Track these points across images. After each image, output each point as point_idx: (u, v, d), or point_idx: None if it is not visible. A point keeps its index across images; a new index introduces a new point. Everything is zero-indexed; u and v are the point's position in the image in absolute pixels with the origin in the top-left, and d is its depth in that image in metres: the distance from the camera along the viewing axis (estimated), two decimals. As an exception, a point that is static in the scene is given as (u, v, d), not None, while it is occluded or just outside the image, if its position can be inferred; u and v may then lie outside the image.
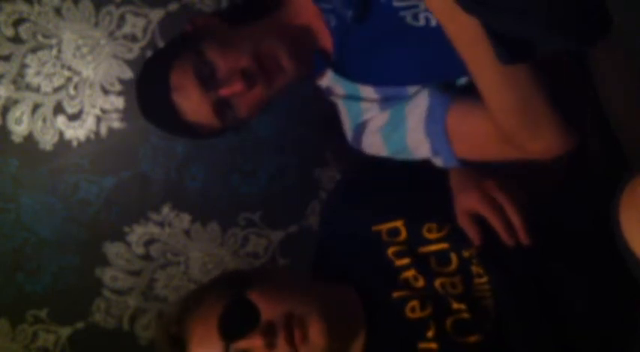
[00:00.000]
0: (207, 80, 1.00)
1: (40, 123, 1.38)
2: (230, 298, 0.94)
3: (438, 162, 1.01)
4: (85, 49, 1.35)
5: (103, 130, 1.39)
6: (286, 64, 1.01)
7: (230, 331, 0.92)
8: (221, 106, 1.03)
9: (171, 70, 1.03)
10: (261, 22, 1.07)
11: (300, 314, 0.91)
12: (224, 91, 1.00)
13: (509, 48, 0.71)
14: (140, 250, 1.48)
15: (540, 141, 0.87)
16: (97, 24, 1.34)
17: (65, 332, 1.52)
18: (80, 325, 1.52)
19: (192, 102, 1.02)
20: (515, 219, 0.95)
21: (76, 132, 1.39)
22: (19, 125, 1.37)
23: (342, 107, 1.11)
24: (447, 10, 0.76)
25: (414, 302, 0.95)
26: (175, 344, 0.96)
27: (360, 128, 1.07)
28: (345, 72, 1.06)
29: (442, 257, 0.97)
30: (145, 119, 1.13)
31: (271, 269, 1.49)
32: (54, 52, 1.34)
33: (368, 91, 1.06)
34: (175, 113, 1.04)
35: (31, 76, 1.35)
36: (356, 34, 1.02)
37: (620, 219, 0.72)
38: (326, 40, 1.07)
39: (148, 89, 1.09)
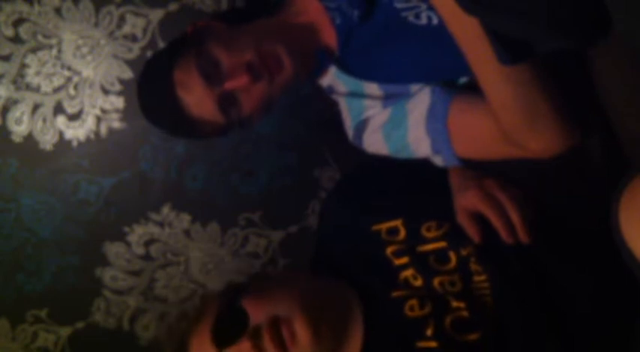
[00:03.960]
0: (212, 75, 1.00)
1: (40, 123, 1.38)
2: (222, 306, 0.96)
3: (438, 160, 1.01)
4: (85, 49, 1.35)
5: (103, 130, 1.40)
6: (286, 61, 1.01)
7: (222, 338, 0.93)
8: (225, 102, 1.02)
9: (174, 67, 1.03)
10: (263, 21, 1.07)
11: (285, 316, 0.92)
12: (229, 84, 1.00)
13: (509, 48, 0.71)
14: (140, 250, 1.48)
15: (541, 140, 0.87)
16: (97, 24, 1.34)
17: (65, 332, 1.52)
18: (80, 325, 1.52)
19: (196, 97, 1.02)
20: (515, 218, 0.95)
21: (76, 132, 1.39)
22: (19, 125, 1.37)
23: (344, 105, 1.12)
24: (449, 7, 0.76)
25: (413, 301, 0.95)
26: None
27: (361, 126, 1.07)
28: (348, 69, 1.07)
29: (441, 255, 0.97)
30: (146, 118, 1.13)
31: (270, 273, 1.49)
32: (54, 52, 1.34)
33: (372, 88, 1.06)
34: (179, 109, 1.03)
35: (31, 76, 1.35)
36: (360, 32, 1.02)
37: (620, 218, 0.72)
38: (330, 38, 1.07)
39: (151, 86, 1.09)
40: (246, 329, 0.92)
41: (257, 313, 0.93)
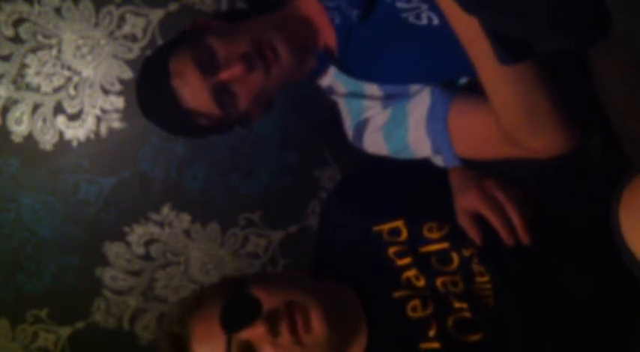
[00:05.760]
0: (207, 65, 1.00)
1: (40, 123, 1.38)
2: (231, 294, 0.94)
3: (438, 161, 1.01)
4: (85, 49, 1.35)
5: (103, 130, 1.40)
6: (284, 53, 1.00)
7: (232, 323, 0.91)
8: (220, 93, 1.02)
9: (170, 58, 1.03)
10: (262, 18, 1.07)
11: (301, 303, 0.91)
12: (223, 75, 0.99)
13: (509, 47, 0.71)
14: (140, 250, 1.48)
15: (542, 139, 0.87)
16: (97, 24, 1.34)
17: (65, 332, 1.52)
18: (80, 325, 1.52)
19: (191, 88, 1.01)
20: (515, 218, 0.95)
21: (76, 132, 1.39)
22: (19, 125, 1.37)
23: (343, 106, 1.11)
24: (451, 5, 0.76)
25: (415, 302, 0.95)
26: (177, 344, 0.96)
27: (361, 126, 1.07)
28: (348, 69, 1.06)
29: (443, 256, 0.97)
30: (145, 116, 1.13)
31: (269, 271, 1.49)
32: (54, 52, 1.34)
33: (372, 89, 1.06)
34: (175, 101, 1.03)
35: (31, 76, 1.35)
36: (359, 32, 1.02)
37: (620, 219, 0.72)
38: (329, 38, 1.07)
39: (148, 82, 1.08)
40: (260, 313, 0.90)
41: (270, 298, 0.91)
